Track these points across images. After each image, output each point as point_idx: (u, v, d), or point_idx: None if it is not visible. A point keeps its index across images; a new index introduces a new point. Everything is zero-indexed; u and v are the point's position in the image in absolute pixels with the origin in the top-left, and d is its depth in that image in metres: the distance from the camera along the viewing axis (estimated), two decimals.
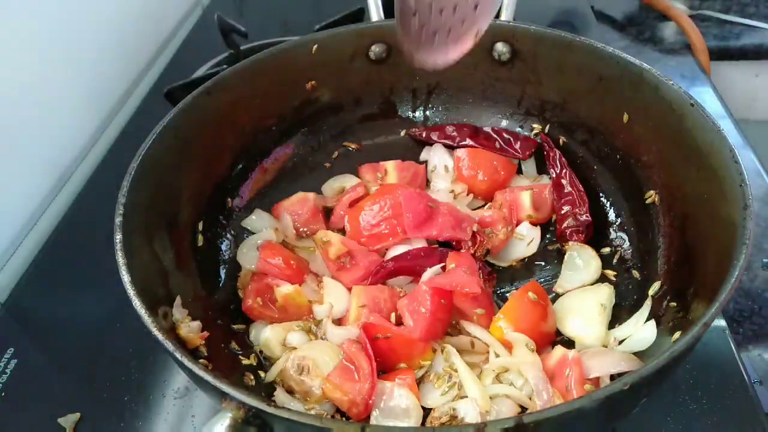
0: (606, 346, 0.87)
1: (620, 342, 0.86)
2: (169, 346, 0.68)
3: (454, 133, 1.18)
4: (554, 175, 1.09)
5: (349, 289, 0.95)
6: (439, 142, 1.19)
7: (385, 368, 0.86)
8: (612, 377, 0.80)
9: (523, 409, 0.81)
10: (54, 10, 1.35)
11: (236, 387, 0.62)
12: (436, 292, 0.86)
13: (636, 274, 0.97)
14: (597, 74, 1.03)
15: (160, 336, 0.69)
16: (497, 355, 0.85)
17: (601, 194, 1.08)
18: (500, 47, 1.11)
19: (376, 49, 1.15)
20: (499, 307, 0.92)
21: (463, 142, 1.16)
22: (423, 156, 1.22)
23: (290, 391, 0.86)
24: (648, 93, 0.95)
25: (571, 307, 0.92)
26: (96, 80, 1.49)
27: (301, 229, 1.08)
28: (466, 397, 0.80)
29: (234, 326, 0.94)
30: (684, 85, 0.96)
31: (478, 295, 0.89)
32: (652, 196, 0.97)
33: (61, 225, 1.25)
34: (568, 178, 1.07)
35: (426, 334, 0.85)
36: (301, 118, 1.18)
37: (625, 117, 1.01)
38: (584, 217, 1.03)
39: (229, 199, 1.09)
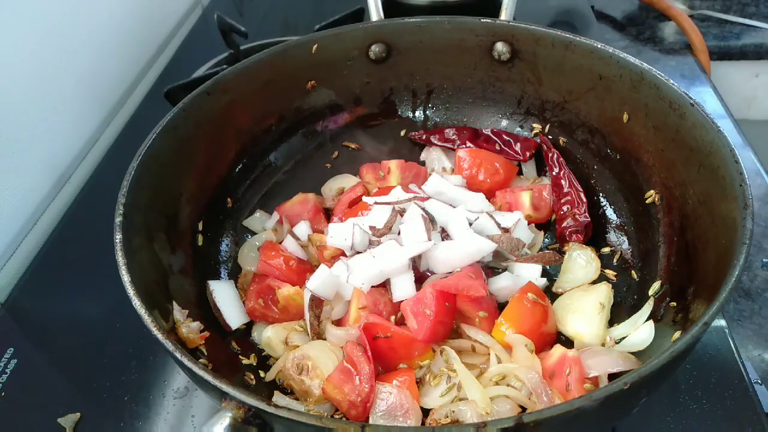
0: (603, 345, 0.87)
1: (618, 341, 0.86)
2: (169, 346, 0.68)
3: (454, 137, 1.18)
4: (553, 176, 1.09)
5: None
6: (439, 146, 1.19)
7: (384, 368, 0.86)
8: (611, 377, 0.80)
9: (523, 409, 0.81)
10: (54, 10, 1.35)
11: (236, 387, 0.62)
12: (441, 294, 0.86)
13: (636, 274, 0.97)
14: (597, 74, 1.03)
15: (160, 336, 0.69)
16: (498, 359, 0.85)
17: (600, 194, 1.08)
18: (500, 47, 1.11)
19: (376, 49, 1.15)
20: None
21: (463, 146, 1.16)
22: (423, 156, 1.22)
23: (290, 391, 0.86)
24: (648, 93, 0.95)
25: (571, 305, 0.92)
26: (96, 80, 1.49)
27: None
28: (466, 398, 0.80)
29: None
30: (684, 85, 0.97)
31: (481, 299, 0.89)
32: (652, 196, 0.97)
33: (61, 225, 1.25)
34: (566, 179, 1.07)
35: (429, 336, 0.85)
36: (301, 118, 1.18)
37: (625, 117, 1.01)
38: (583, 217, 1.03)
39: (229, 199, 1.09)
